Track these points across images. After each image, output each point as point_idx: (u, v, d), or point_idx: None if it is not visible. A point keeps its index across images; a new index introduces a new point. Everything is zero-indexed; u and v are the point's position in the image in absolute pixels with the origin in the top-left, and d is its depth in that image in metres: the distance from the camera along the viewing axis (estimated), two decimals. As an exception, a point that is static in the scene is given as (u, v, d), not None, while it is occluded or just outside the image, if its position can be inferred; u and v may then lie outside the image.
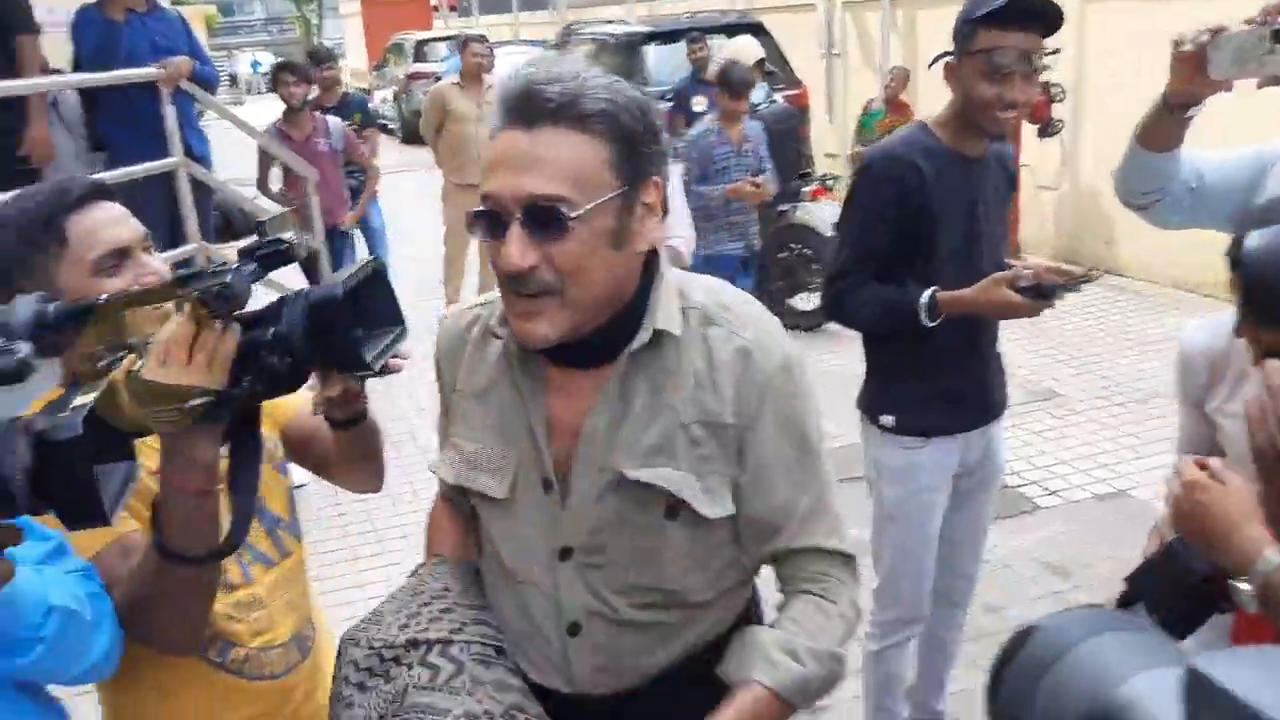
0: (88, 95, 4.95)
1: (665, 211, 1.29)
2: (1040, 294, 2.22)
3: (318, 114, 6.15)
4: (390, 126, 17.92)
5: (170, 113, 4.64)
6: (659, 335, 1.31)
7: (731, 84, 5.32)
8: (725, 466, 1.33)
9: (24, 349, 1.00)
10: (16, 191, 1.49)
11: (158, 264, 1.47)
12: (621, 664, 1.40)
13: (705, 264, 5.52)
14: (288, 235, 1.23)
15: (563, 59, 1.25)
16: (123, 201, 1.52)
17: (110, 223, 1.44)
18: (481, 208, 1.23)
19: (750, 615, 1.52)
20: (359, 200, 6.42)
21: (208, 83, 4.87)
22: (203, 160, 4.96)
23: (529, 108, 1.19)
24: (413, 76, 17.26)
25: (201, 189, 4.88)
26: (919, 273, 2.34)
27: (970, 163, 2.36)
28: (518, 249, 1.19)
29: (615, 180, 1.21)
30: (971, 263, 2.36)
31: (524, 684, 1.39)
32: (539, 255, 1.19)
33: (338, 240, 6.03)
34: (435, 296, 7.11)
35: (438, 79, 10.71)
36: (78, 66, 4.96)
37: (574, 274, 1.21)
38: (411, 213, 9.83)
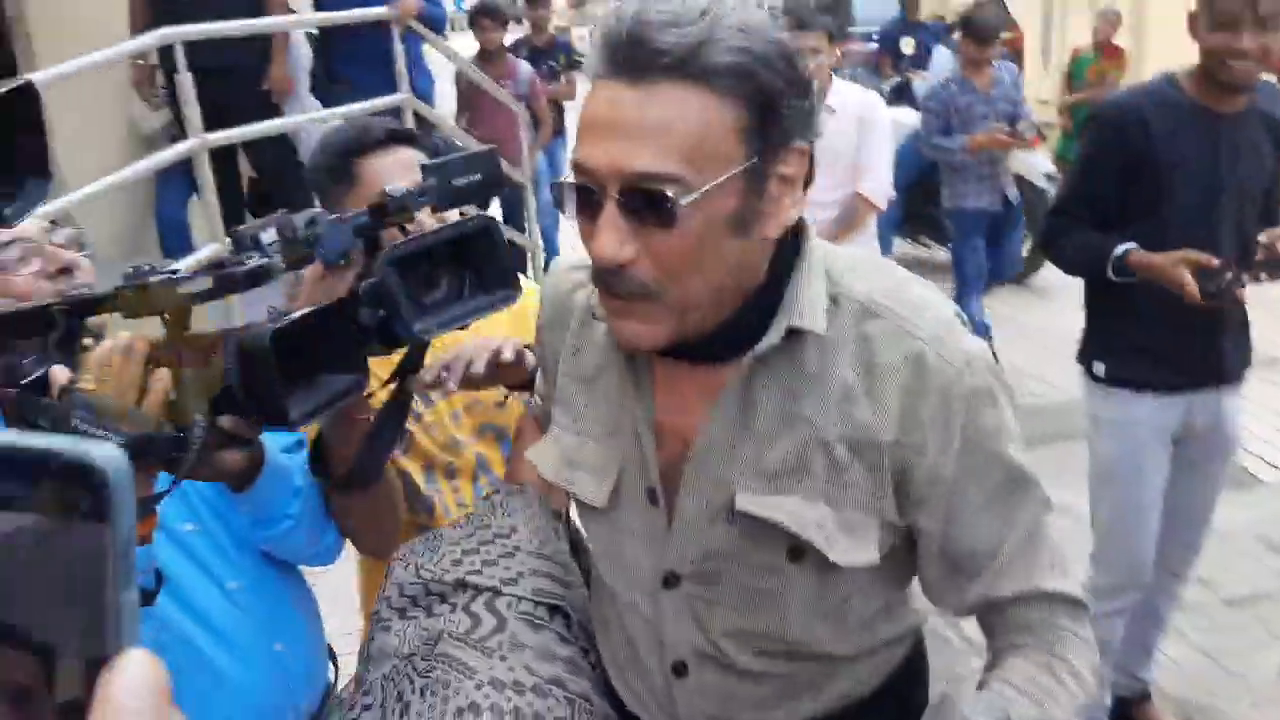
0: (324, 32, 5.24)
1: (809, 180, 1.04)
2: (1213, 291, 2.17)
3: (511, 57, 6.24)
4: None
5: (399, 51, 4.87)
6: (795, 333, 1.04)
7: (979, 29, 5.08)
8: (874, 498, 1.06)
9: (263, 259, 1.08)
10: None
11: (422, 216, 1.51)
12: (736, 716, 1.19)
13: (952, 219, 5.39)
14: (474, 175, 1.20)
15: None
16: None
17: (397, 169, 1.50)
18: (571, 179, 1.00)
19: (913, 667, 1.28)
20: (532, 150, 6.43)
21: (436, 22, 5.08)
22: (426, 98, 5.19)
23: (637, 56, 0.93)
24: (612, 16, 17.34)
25: (423, 125, 5.10)
26: (1145, 226, 2.29)
27: (1218, 118, 2.28)
28: (612, 238, 0.96)
29: (744, 151, 0.95)
30: (1209, 222, 2.29)
31: (578, 653, 1.24)
32: (638, 246, 0.97)
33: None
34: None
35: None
36: (319, 5, 5.26)
37: (678, 273, 0.97)
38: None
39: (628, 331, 1.02)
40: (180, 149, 3.94)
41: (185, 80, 3.78)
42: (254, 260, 1.07)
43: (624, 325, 1.02)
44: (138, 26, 4.36)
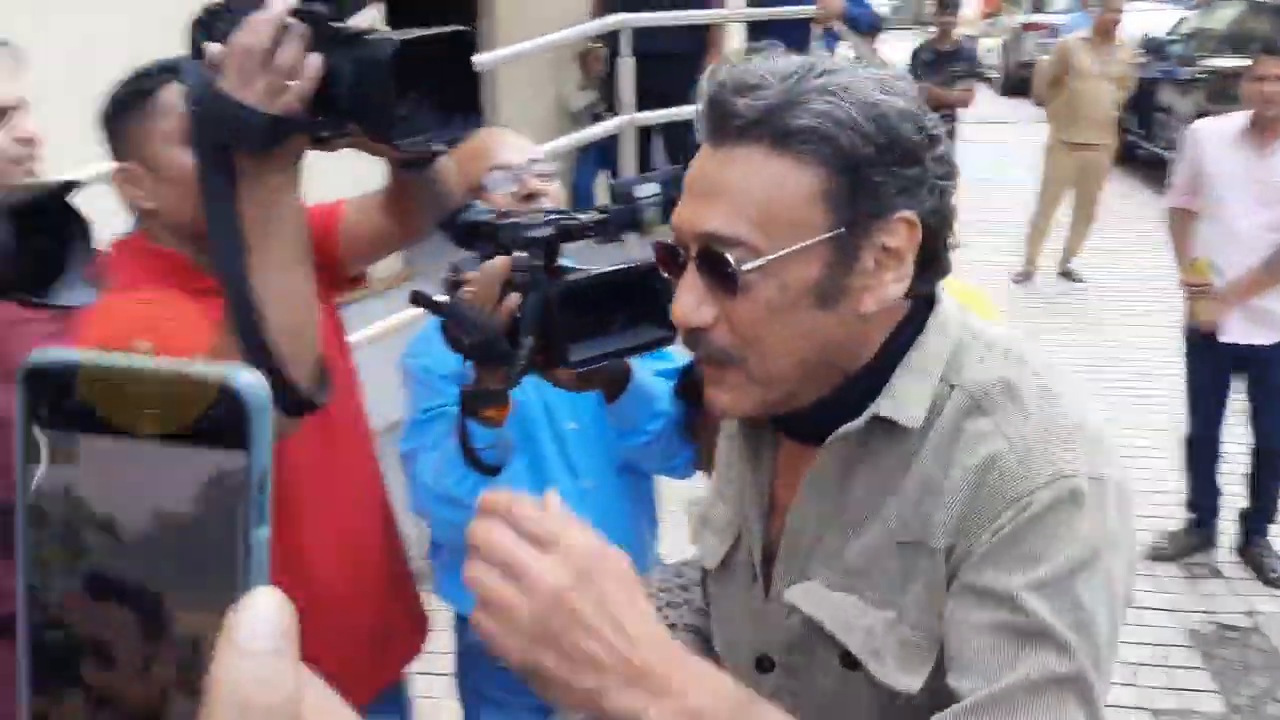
0: (750, 25, 5.55)
1: (934, 253, 0.95)
2: None
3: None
4: (991, 76, 17.56)
5: (814, 48, 5.06)
6: (888, 422, 0.95)
7: None
8: (933, 615, 0.93)
9: (601, 214, 1.26)
10: None
11: None
12: None
13: None
14: None
15: (782, 55, 0.94)
16: None
17: None
18: (668, 240, 0.99)
19: None
20: None
21: (859, 24, 5.22)
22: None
23: (718, 119, 0.92)
24: (1027, 27, 16.70)
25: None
26: None
27: None
28: (690, 299, 0.93)
29: (829, 219, 0.90)
30: None
31: None
32: (717, 310, 0.93)
33: None
34: (1013, 255, 6.98)
35: (1054, 32, 10.30)
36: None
37: (752, 341, 0.93)
38: (1003, 166, 9.69)
39: (713, 398, 0.99)
40: (610, 125, 4.36)
41: (627, 64, 4.18)
42: (591, 214, 1.27)
43: (711, 391, 0.99)
44: (597, 13, 4.84)
